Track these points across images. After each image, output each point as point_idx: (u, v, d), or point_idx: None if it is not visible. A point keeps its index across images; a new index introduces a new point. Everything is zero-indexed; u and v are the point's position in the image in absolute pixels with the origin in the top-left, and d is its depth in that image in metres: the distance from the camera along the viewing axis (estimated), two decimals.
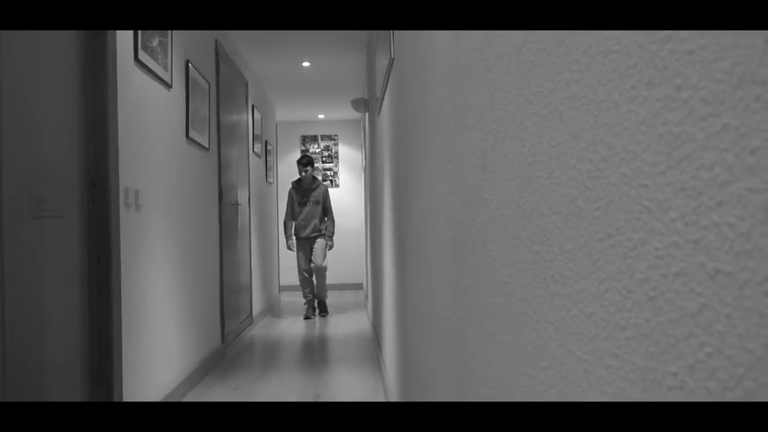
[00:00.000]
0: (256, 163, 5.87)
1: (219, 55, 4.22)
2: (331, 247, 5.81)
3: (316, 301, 5.94)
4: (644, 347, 0.39)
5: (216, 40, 4.19)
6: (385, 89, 2.70)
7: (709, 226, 0.32)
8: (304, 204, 5.75)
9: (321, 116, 8.25)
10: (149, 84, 2.76)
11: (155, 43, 2.78)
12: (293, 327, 5.35)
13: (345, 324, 5.45)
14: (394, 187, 2.38)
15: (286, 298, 7.73)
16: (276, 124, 8.11)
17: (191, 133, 3.42)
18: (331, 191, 8.49)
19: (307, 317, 5.78)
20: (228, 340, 4.38)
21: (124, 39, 2.45)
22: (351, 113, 8.07)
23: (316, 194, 5.76)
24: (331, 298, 7.57)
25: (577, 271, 0.49)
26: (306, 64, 5.57)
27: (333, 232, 5.87)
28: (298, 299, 7.53)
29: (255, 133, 5.76)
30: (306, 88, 6.52)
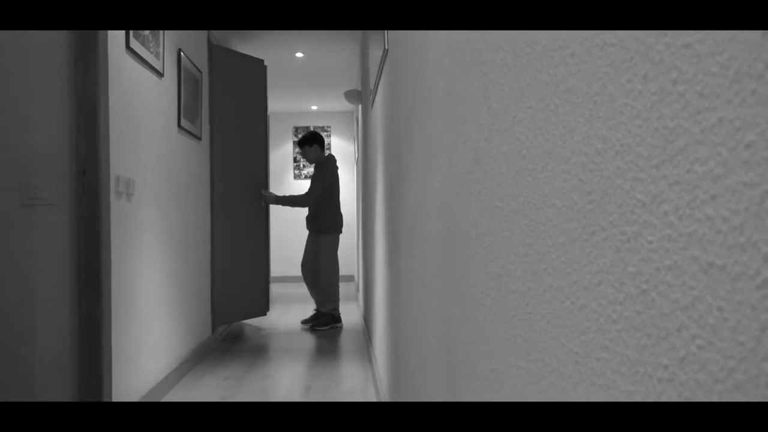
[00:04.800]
0: None
1: (211, 44, 4.19)
2: (267, 199, 4.62)
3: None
4: (636, 339, 0.39)
5: (208, 30, 4.16)
6: (379, 81, 2.70)
7: (703, 219, 0.32)
8: None
9: (314, 107, 8.22)
10: (141, 72, 2.74)
11: (147, 31, 2.76)
12: (284, 318, 5.35)
13: None
14: (386, 179, 2.38)
15: (277, 289, 7.73)
16: (268, 115, 8.09)
17: (183, 123, 3.40)
18: None
19: (305, 321, 4.94)
20: (219, 331, 4.38)
21: None
22: (344, 105, 8.05)
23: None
24: None
25: (570, 263, 0.50)
26: (299, 54, 5.55)
27: (287, 199, 4.62)
28: (289, 290, 7.53)
29: None
30: (299, 78, 6.50)
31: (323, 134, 8.49)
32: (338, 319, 4.81)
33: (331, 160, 4.76)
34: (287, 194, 4.86)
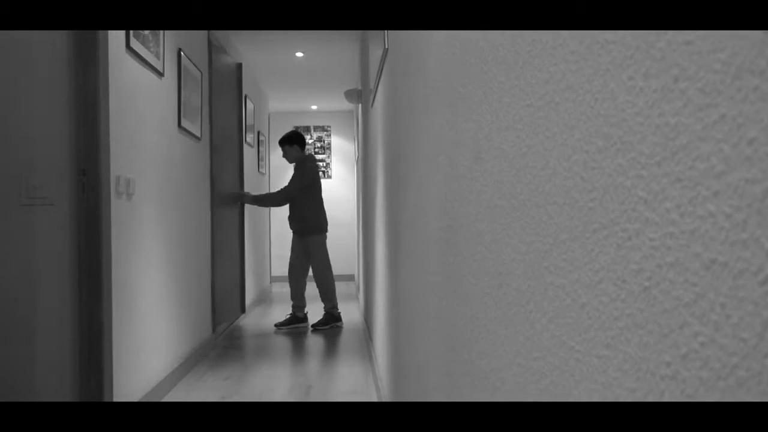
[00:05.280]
0: (248, 154, 5.85)
1: (211, 44, 4.19)
2: (244, 198, 4.74)
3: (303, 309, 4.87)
4: (638, 337, 0.39)
5: (208, 30, 4.16)
6: (379, 80, 2.70)
7: (705, 216, 0.32)
8: None
9: (314, 107, 8.22)
10: (141, 72, 2.74)
11: (147, 31, 2.76)
12: (284, 317, 5.35)
13: None
14: (387, 178, 2.38)
15: (277, 288, 7.72)
16: (269, 115, 8.08)
17: (183, 123, 3.40)
18: (324, 183, 8.44)
19: (279, 325, 4.77)
20: (219, 330, 4.38)
21: None
22: (344, 104, 8.05)
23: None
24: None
25: (572, 261, 0.50)
26: (299, 54, 5.55)
27: (263, 198, 4.68)
28: (289, 290, 7.52)
29: (247, 123, 5.74)
30: (299, 78, 6.50)
31: (323, 134, 8.49)
32: (338, 318, 4.81)
33: (311, 159, 4.78)
34: (264, 192, 5.06)
